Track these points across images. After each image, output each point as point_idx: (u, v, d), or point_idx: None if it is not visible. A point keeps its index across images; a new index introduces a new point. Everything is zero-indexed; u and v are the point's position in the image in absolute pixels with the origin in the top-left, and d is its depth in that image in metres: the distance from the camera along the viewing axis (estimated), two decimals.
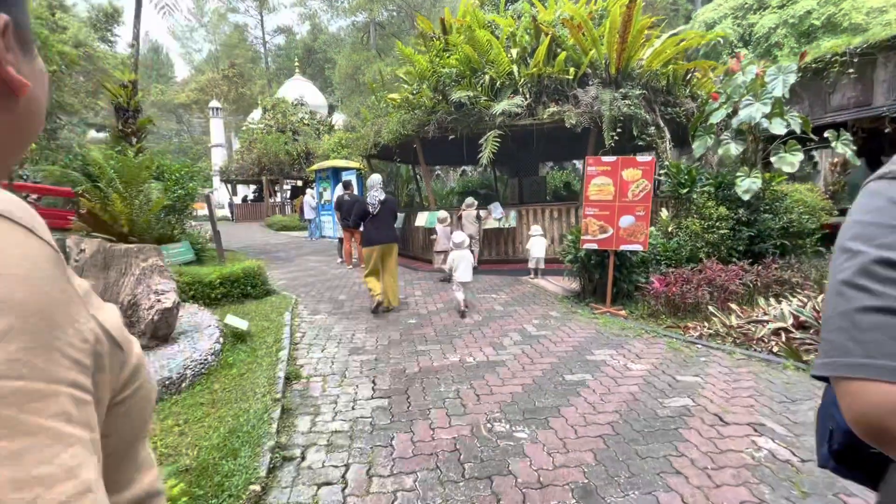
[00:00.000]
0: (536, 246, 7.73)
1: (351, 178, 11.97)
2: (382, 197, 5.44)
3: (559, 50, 7.79)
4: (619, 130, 7.03)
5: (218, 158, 33.45)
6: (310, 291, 6.86)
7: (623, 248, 5.29)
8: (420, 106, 8.10)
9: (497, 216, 8.15)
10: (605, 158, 5.25)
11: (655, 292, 5.17)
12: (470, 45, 7.70)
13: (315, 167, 15.07)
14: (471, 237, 8.01)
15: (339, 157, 15.74)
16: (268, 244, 13.41)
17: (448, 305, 5.83)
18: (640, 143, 7.21)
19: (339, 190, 9.20)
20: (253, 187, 26.70)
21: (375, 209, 5.43)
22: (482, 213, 8.09)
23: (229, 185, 25.52)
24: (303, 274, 8.43)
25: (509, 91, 7.70)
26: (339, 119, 27.39)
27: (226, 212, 28.23)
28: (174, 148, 53.63)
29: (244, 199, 26.83)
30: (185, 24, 53.12)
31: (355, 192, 9.60)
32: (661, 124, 7.40)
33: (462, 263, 5.45)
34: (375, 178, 5.57)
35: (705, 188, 6.24)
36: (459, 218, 8.30)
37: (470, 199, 8.10)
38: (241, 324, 4.28)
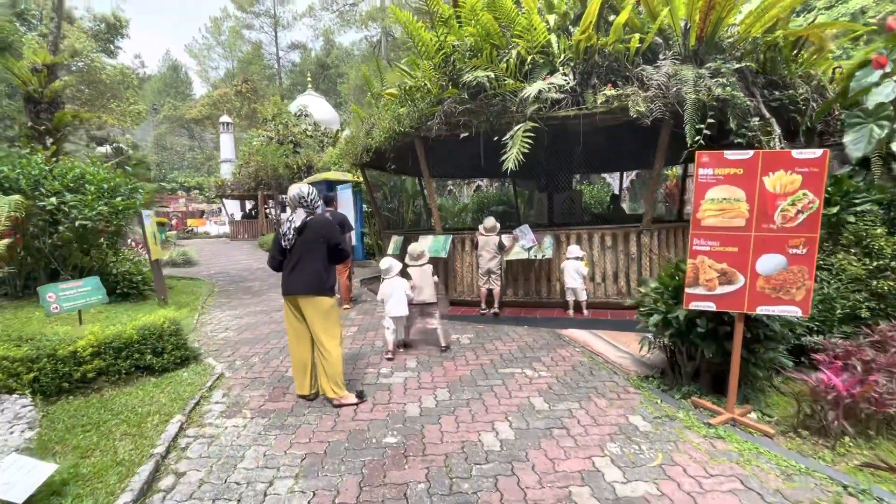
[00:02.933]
0: (571, 273, 5.58)
1: (311, 189, 9.95)
2: (300, 222, 3.32)
3: (613, 17, 5.65)
4: (710, 121, 4.79)
5: (227, 174, 32.26)
6: (252, 356, 4.66)
7: (763, 310, 2.99)
8: (421, 95, 5.98)
9: (526, 245, 5.93)
10: (732, 155, 3.00)
11: (836, 394, 2.83)
12: (490, 11, 5.60)
13: (308, 180, 13.12)
14: (490, 273, 5.80)
15: (340, 170, 13.79)
16: (246, 270, 11.37)
17: (457, 398, 3.57)
18: (739, 141, 4.97)
19: None
20: (252, 203, 25.00)
21: (290, 241, 3.33)
22: (506, 240, 5.87)
23: (223, 201, 23.85)
24: (262, 319, 6.27)
25: (544, 71, 5.54)
26: (348, 133, 25.72)
27: (227, 229, 26.62)
28: (187, 163, 53.06)
29: (244, 216, 25.14)
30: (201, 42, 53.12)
31: (339, 208, 7.54)
32: (767, 114, 5.13)
33: (395, 295, 4.47)
34: (295, 193, 3.40)
35: (865, 207, 3.94)
36: (475, 245, 6.11)
37: (490, 221, 5.90)
38: (21, 486, 2.08)
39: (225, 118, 38.60)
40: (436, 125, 5.78)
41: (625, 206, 14.17)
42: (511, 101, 5.41)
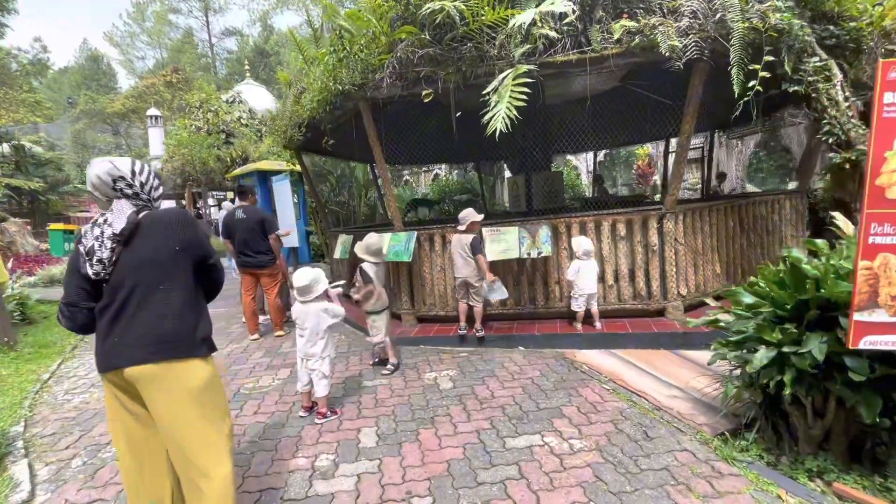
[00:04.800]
0: (589, 276, 4.25)
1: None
2: (125, 224, 1.62)
3: None
4: (767, 58, 3.49)
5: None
6: (107, 444, 2.90)
7: None
8: (366, 41, 4.33)
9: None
10: None
11: None
12: None
13: (236, 172, 11.09)
14: (467, 286, 4.31)
15: (280, 160, 11.80)
16: None
17: None
18: (796, 90, 3.73)
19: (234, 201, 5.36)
20: (182, 202, 22.22)
21: (104, 264, 1.61)
22: (487, 236, 4.35)
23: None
24: None
25: (531, 3, 4.06)
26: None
27: None
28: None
29: None
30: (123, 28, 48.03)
31: (258, 202, 5.79)
32: (824, 54, 3.91)
33: (308, 323, 3.00)
34: (101, 172, 1.63)
35: None
36: (448, 242, 4.59)
37: (466, 212, 4.37)
38: None
39: (153, 111, 34.79)
40: (387, 80, 4.17)
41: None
42: (490, 42, 3.90)
